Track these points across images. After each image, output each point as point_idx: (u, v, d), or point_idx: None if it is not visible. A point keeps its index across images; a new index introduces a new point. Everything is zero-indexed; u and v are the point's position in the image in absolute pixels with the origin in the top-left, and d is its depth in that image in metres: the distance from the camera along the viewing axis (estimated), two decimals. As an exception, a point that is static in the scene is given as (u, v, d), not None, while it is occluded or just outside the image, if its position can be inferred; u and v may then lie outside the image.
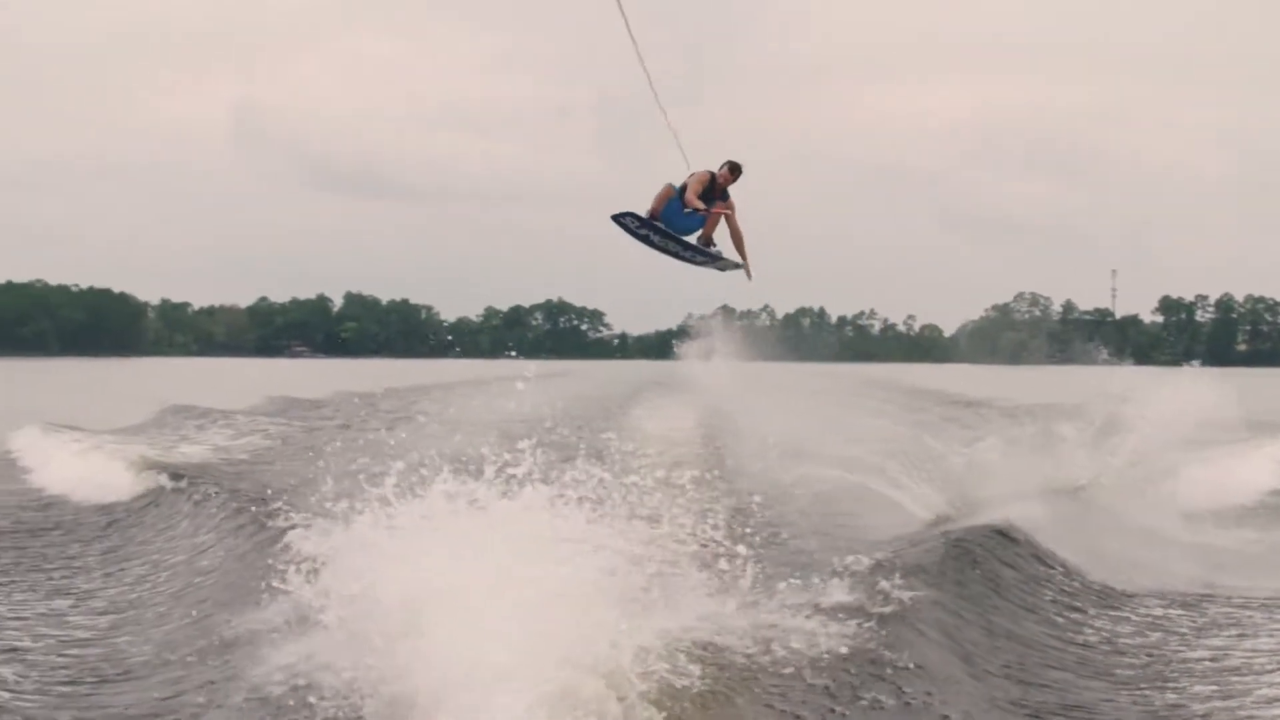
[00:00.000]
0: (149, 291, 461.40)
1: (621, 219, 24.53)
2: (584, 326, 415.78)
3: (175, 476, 36.18)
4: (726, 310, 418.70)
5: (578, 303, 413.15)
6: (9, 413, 68.06)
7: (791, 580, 20.12)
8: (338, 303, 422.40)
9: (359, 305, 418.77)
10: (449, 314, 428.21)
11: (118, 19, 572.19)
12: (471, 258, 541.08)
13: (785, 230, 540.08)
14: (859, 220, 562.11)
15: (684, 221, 24.52)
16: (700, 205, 24.13)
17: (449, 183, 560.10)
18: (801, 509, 31.18)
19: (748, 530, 24.86)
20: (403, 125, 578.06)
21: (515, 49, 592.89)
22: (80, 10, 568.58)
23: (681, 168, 24.60)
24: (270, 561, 21.08)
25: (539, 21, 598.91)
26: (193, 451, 50.43)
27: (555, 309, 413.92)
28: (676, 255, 25.03)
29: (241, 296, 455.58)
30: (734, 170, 24.51)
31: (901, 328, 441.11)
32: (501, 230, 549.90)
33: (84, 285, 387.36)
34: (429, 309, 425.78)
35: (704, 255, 24.78)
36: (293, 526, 23.00)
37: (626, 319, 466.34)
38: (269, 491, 30.94)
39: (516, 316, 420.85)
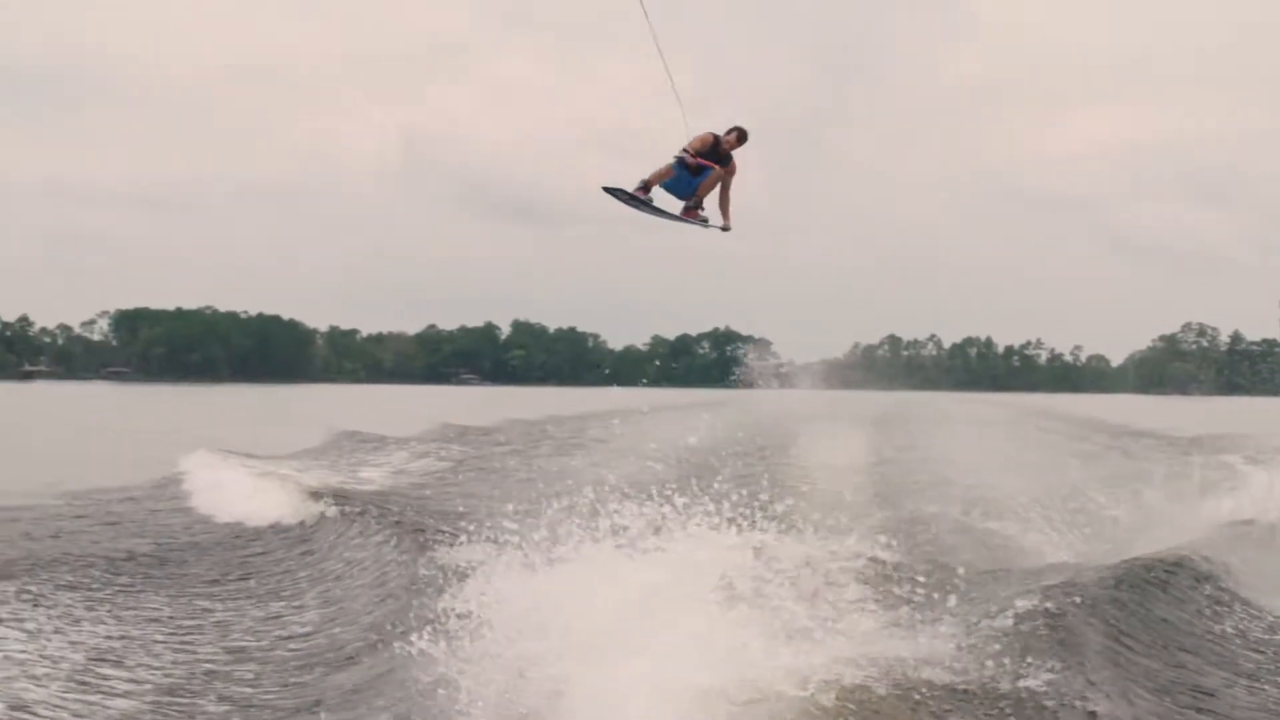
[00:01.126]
0: (318, 318, 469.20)
1: (613, 192, 24.60)
2: (750, 355, 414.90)
3: (342, 502, 36.39)
4: (894, 339, 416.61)
5: (744, 331, 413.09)
6: (179, 438, 69.25)
7: (962, 607, 19.66)
8: (505, 330, 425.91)
9: (526, 333, 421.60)
10: (616, 342, 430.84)
11: (283, 45, 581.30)
12: (638, 285, 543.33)
13: (953, 259, 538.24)
14: (1027, 249, 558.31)
15: (685, 187, 24.51)
16: (704, 161, 24.15)
17: (615, 210, 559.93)
18: (968, 536, 30.87)
19: (914, 558, 24.64)
20: (568, 151, 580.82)
21: (675, 74, 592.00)
22: (244, 35, 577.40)
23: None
24: (431, 586, 21.23)
25: (695, 46, 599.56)
26: (360, 477, 50.67)
27: (722, 337, 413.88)
28: (666, 217, 25.14)
29: (410, 323, 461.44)
30: (741, 138, 24.60)
31: (1068, 357, 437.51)
32: (668, 258, 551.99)
33: (253, 312, 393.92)
34: (596, 337, 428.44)
35: (690, 222, 24.81)
36: (457, 553, 23.37)
37: (794, 347, 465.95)
38: (435, 518, 31.25)
39: (683, 345, 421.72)
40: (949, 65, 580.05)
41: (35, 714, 16.70)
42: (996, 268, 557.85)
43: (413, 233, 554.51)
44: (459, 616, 17.11)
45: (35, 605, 23.69)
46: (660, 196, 24.75)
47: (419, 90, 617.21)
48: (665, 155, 24.76)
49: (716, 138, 24.25)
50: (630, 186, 24.53)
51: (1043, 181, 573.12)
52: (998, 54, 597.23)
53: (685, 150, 24.07)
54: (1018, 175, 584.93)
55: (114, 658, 20.41)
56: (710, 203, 24.66)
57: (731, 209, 24.83)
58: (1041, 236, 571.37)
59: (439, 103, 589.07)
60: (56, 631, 21.91)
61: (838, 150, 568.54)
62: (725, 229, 24.82)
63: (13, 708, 16.77)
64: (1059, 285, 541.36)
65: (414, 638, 16.90)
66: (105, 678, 18.87)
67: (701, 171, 24.22)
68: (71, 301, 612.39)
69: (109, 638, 21.58)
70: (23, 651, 19.75)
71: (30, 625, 21.93)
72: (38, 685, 17.98)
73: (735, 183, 24.82)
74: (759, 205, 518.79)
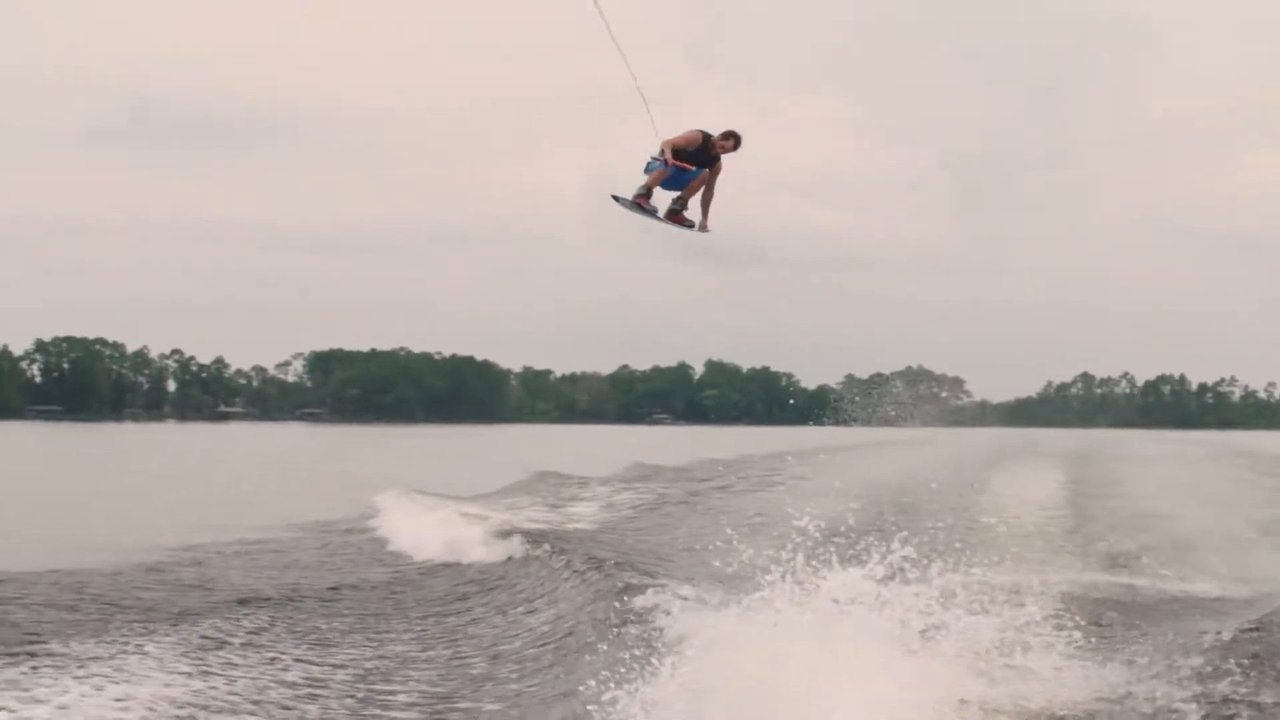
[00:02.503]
0: (511, 359, 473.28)
1: (617, 200, 24.07)
2: (943, 393, 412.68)
3: (533, 541, 36.45)
4: (1086, 377, 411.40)
5: (938, 369, 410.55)
6: (373, 478, 70.08)
7: (1163, 641, 19.31)
8: (699, 370, 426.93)
9: (720, 373, 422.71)
10: (809, 381, 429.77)
11: (475, 89, 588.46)
12: (831, 325, 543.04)
13: (1146, 296, 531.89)
14: (1220, 286, 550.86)
15: (676, 183, 23.81)
16: (675, 162, 23.32)
17: (805, 250, 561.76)
18: (1169, 574, 30.32)
19: (1113, 592, 24.18)
20: (758, 193, 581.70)
21: (863, 114, 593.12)
22: (435, 80, 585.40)
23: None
24: (623, 628, 20.99)
25: (886, 86, 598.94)
26: (553, 517, 50.80)
27: (915, 375, 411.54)
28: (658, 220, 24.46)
29: (603, 364, 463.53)
30: (737, 143, 23.72)
31: (1262, 395, 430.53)
32: (860, 297, 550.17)
33: (447, 353, 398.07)
34: (789, 376, 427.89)
35: (677, 227, 24.09)
36: (650, 595, 23.18)
37: (987, 385, 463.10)
38: (628, 558, 31.13)
39: (876, 383, 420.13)
40: (1143, 105, 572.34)
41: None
42: (1189, 305, 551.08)
43: (606, 274, 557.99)
44: (651, 660, 16.99)
45: (226, 642, 24.09)
46: (658, 194, 24.00)
47: (604, 133, 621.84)
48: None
49: (707, 137, 23.46)
50: (634, 194, 23.81)
51: (1237, 218, 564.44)
52: (1190, 94, 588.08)
53: (660, 155, 23.33)
54: (1210, 213, 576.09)
55: (304, 694, 20.77)
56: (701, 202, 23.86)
57: (712, 210, 24.05)
58: (1235, 274, 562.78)
59: (626, 145, 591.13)
60: (260, 663, 22.65)
61: (1031, 191, 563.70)
62: (704, 230, 24.07)
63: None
64: (1253, 323, 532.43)
65: (605, 680, 16.65)
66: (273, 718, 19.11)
67: (684, 171, 23.50)
68: (267, 343, 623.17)
69: (302, 677, 21.74)
70: (214, 688, 20.03)
71: (228, 659, 22.45)
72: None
73: (719, 181, 24.02)
74: (951, 244, 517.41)
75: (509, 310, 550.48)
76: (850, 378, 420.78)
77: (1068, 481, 64.71)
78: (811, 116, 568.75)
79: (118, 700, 18.73)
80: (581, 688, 18.10)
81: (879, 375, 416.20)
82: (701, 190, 23.45)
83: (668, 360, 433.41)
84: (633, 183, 23.42)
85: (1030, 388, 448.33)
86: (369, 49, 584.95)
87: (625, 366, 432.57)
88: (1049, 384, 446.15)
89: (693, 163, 23.25)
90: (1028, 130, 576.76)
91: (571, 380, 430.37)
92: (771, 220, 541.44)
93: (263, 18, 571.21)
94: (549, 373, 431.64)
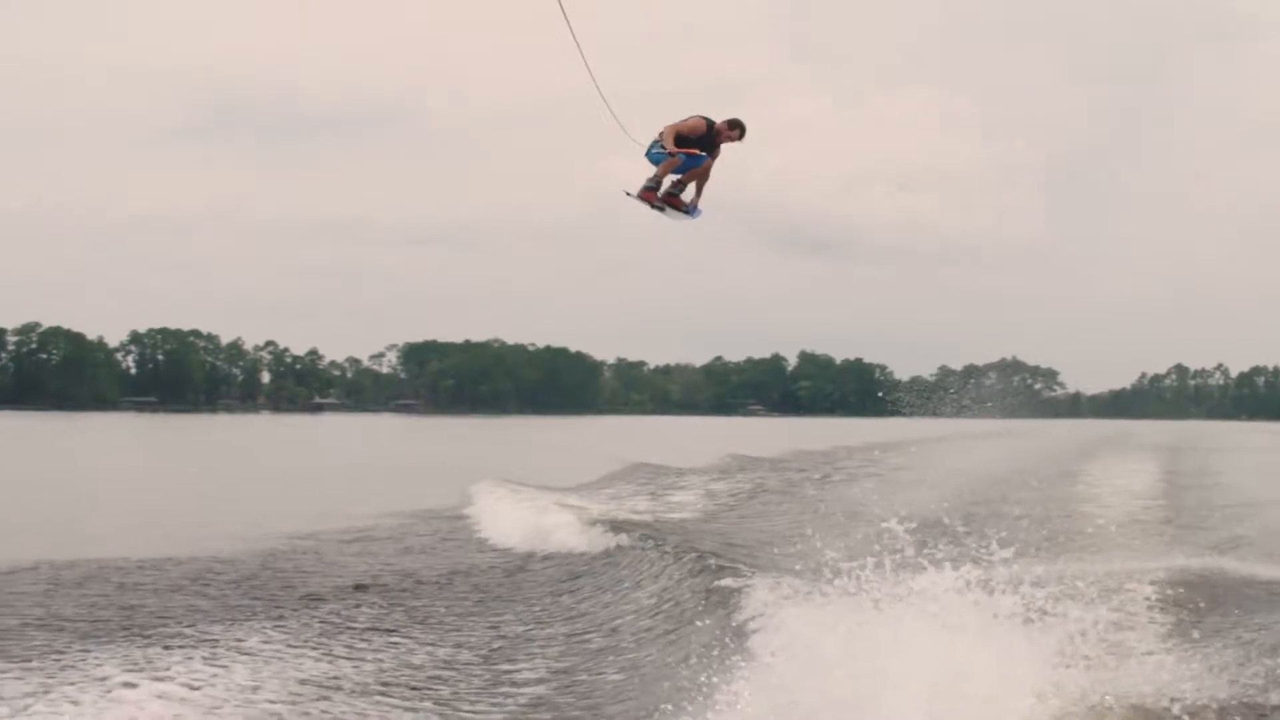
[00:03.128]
0: (605, 350, 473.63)
1: (630, 195, 23.93)
2: (1037, 385, 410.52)
3: (627, 532, 36.77)
4: (1180, 369, 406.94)
5: (1031, 361, 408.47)
6: (471, 468, 71.08)
7: (1257, 637, 19.36)
8: (792, 362, 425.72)
9: (813, 364, 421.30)
10: (902, 373, 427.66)
11: (571, 82, 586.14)
12: (924, 317, 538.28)
13: (1240, 288, 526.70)
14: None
15: (683, 167, 23.62)
16: (683, 150, 23.06)
17: (899, 241, 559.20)
18: (1266, 562, 30.30)
19: (1211, 584, 24.28)
20: (848, 186, 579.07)
21: (960, 106, 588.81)
22: (530, 74, 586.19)
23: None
24: (717, 619, 21.46)
25: (983, 81, 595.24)
26: (646, 508, 51.06)
27: (1009, 368, 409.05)
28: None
29: (697, 355, 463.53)
30: (742, 135, 23.47)
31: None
32: (954, 289, 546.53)
33: (540, 345, 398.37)
34: (882, 368, 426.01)
35: (676, 211, 23.89)
36: (745, 586, 23.27)
37: (1080, 377, 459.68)
38: (722, 549, 31.32)
39: (969, 375, 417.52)
40: (1241, 97, 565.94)
41: None
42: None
43: (701, 266, 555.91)
44: (745, 650, 17.30)
45: (349, 626, 25.12)
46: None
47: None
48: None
49: (710, 124, 23.33)
50: (641, 187, 23.54)
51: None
52: None
53: (659, 141, 23.23)
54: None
55: (432, 675, 21.55)
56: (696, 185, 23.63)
57: (703, 194, 23.86)
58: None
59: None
60: (385, 646, 23.66)
61: (1124, 184, 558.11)
62: (697, 213, 23.92)
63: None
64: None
65: (700, 669, 17.00)
66: (406, 698, 19.71)
67: (694, 156, 23.36)
68: (361, 335, 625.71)
69: (427, 659, 22.56)
70: (320, 673, 20.75)
71: (352, 643, 23.33)
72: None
73: (715, 168, 23.86)
74: (1046, 237, 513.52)
75: (603, 302, 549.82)
76: (943, 369, 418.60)
77: (1163, 472, 64.28)
78: (908, 109, 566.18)
79: (248, 683, 19.56)
80: (679, 675, 18.31)
81: (972, 367, 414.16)
82: (700, 174, 23.25)
83: (761, 352, 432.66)
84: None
85: (1124, 380, 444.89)
86: (464, 43, 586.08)
87: (719, 358, 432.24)
88: (1143, 376, 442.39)
89: (697, 149, 23.17)
90: (1123, 123, 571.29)
91: (665, 372, 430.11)
92: (867, 212, 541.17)
93: (358, 13, 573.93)
94: (642, 364, 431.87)
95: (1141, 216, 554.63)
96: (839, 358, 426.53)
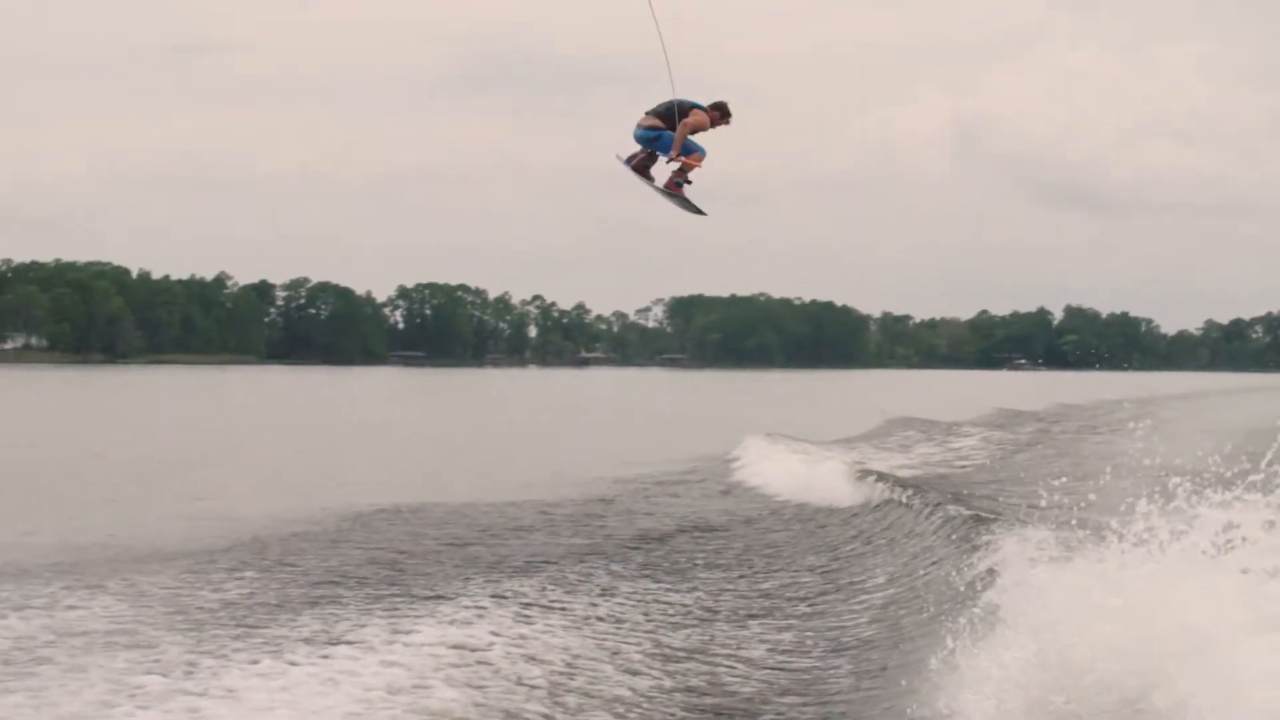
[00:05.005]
0: (871, 304, 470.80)
1: (677, 198, 23.23)
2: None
3: (893, 486, 36.75)
4: None
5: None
6: (735, 422, 72.12)
7: None
8: (1058, 315, 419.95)
9: (1079, 318, 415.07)
10: (1169, 327, 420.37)
11: (825, 36, 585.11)
12: (1190, 270, 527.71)
13: None
14: None
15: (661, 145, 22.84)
16: (679, 159, 22.32)
17: (1163, 194, 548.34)
18: None
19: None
20: (1114, 136, 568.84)
21: (1224, 56, 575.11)
22: (809, 26, 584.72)
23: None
24: (979, 576, 21.44)
25: (1249, 28, 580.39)
26: (913, 462, 51.44)
27: (1276, 321, 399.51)
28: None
29: (963, 309, 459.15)
30: (725, 116, 22.11)
31: None
32: (1221, 241, 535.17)
33: (807, 299, 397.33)
34: (1148, 321, 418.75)
35: (681, 203, 23.09)
36: (1008, 544, 22.97)
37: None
38: (986, 505, 31.41)
39: (1236, 329, 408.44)
40: None
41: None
42: None
43: (966, 219, 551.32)
44: (999, 611, 16.93)
45: (615, 580, 25.84)
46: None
47: (976, 78, 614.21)
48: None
49: (670, 106, 22.38)
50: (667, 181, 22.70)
51: None
52: None
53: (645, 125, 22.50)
54: None
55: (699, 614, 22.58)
56: (700, 188, 22.55)
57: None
58: None
59: (996, 90, 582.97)
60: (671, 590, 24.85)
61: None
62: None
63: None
64: None
65: (962, 629, 16.64)
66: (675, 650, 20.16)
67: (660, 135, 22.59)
68: (627, 290, 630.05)
69: (659, 612, 23.02)
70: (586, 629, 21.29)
71: (605, 600, 23.76)
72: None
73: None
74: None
75: (870, 255, 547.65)
76: (1210, 323, 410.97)
77: None
78: (1182, 60, 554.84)
79: (544, 630, 20.49)
80: (942, 632, 17.68)
81: (1239, 321, 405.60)
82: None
83: (1026, 305, 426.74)
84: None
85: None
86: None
87: (984, 312, 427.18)
88: None
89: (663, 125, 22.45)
90: None
91: (931, 326, 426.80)
92: (1136, 164, 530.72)
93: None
94: (908, 318, 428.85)
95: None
96: (1105, 311, 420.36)
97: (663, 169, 22.66)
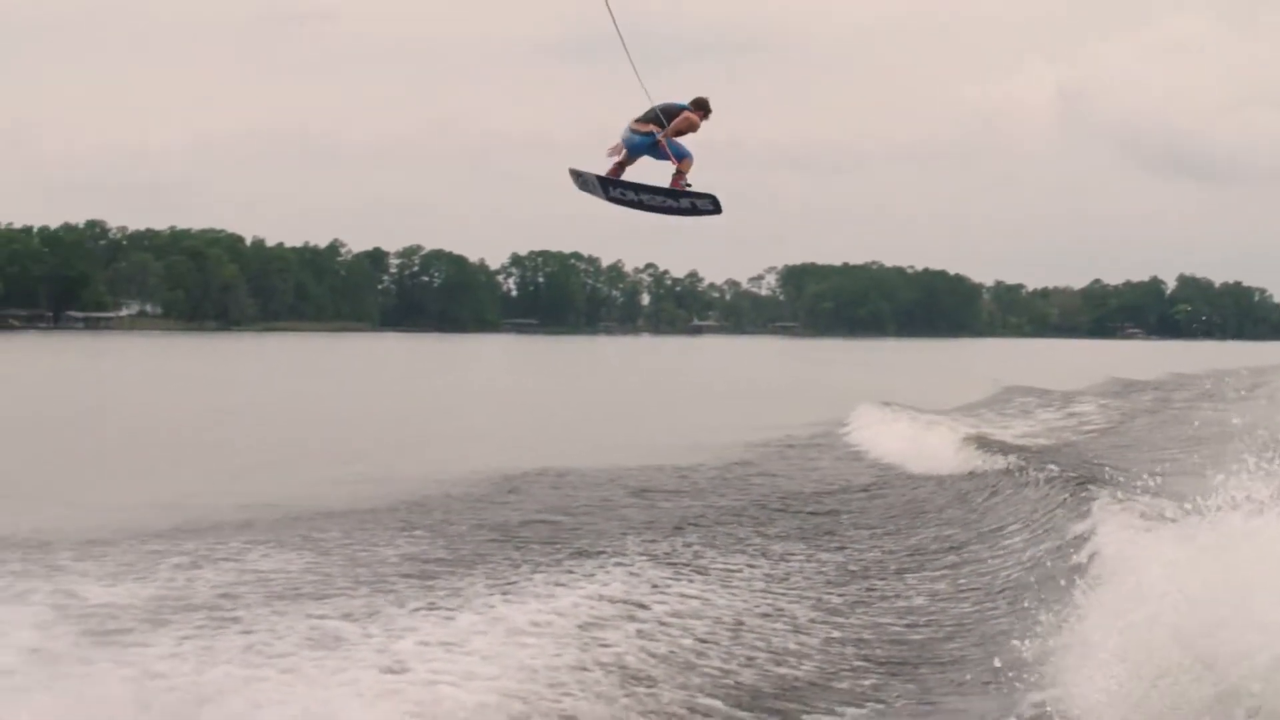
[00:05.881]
0: (983, 273, 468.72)
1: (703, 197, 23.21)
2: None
3: (1004, 454, 37.25)
4: None
5: None
6: (848, 390, 73.19)
7: None
8: (1170, 285, 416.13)
9: (1192, 287, 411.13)
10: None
11: (928, 6, 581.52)
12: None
13: None
14: None
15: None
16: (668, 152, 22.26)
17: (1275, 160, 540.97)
18: None
19: None
20: (1228, 106, 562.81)
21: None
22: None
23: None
24: (1086, 548, 21.85)
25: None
26: (1025, 431, 52.25)
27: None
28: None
29: (1075, 278, 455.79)
30: (706, 113, 21.93)
31: None
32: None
33: (919, 267, 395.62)
34: (1262, 291, 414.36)
35: (681, 198, 22.92)
36: (1118, 513, 23.18)
37: None
38: (1098, 474, 31.51)
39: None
40: None
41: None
42: None
43: (1079, 188, 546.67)
44: (1117, 576, 17.00)
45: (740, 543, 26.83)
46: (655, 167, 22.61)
47: (1083, 48, 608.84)
48: None
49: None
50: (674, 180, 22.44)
51: None
52: None
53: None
54: None
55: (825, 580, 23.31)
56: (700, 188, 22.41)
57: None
58: None
59: (1104, 59, 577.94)
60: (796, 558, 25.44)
61: None
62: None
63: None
64: None
65: (1070, 597, 16.81)
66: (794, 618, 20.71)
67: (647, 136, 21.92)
68: (739, 258, 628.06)
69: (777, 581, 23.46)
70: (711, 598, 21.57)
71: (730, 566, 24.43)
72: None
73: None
74: None
75: (982, 224, 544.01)
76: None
77: None
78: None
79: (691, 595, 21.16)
80: (1047, 598, 18.04)
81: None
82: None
83: (1139, 275, 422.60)
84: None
85: None
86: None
87: (1097, 281, 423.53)
88: None
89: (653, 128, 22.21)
90: None
91: (1043, 295, 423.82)
92: (1244, 134, 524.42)
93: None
94: (1020, 287, 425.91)
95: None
96: (1218, 281, 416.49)
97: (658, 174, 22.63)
